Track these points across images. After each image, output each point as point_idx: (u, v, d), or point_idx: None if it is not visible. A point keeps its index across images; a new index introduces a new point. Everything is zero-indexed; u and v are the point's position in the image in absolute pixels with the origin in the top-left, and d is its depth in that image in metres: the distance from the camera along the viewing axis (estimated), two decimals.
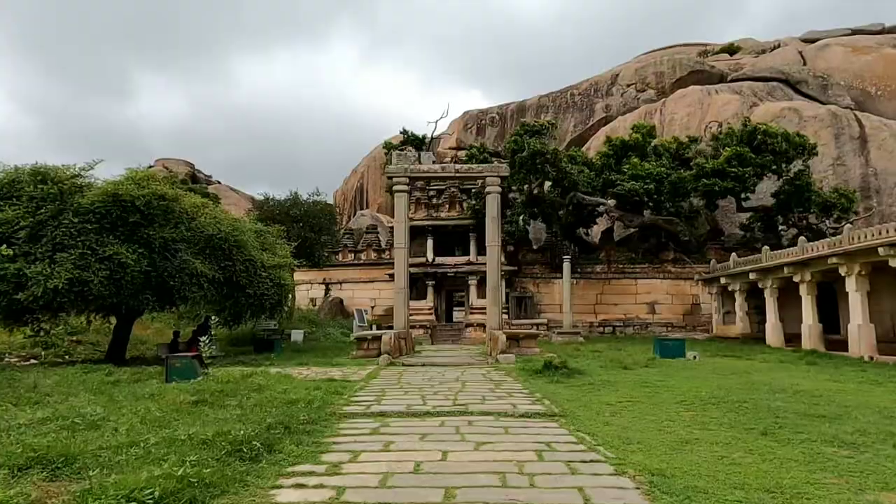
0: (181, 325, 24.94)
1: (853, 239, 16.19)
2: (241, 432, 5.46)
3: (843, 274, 16.60)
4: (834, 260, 16.60)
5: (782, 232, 27.56)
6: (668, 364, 14.08)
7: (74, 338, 22.45)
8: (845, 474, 4.86)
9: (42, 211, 13.44)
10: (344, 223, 44.48)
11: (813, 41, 46.27)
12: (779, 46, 47.50)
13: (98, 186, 14.58)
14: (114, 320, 17.62)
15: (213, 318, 12.45)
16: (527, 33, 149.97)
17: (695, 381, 11.22)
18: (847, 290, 16.57)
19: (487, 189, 17.50)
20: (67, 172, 14.47)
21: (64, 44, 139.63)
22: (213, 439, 5.29)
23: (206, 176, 59.49)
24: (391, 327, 19.02)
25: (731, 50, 50.91)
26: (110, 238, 13.68)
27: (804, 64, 42.06)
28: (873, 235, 15.34)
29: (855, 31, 47.55)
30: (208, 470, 4.38)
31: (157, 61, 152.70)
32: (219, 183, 59.57)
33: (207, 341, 10.81)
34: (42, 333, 19.14)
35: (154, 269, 14.48)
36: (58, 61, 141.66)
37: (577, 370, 11.87)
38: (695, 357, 15.32)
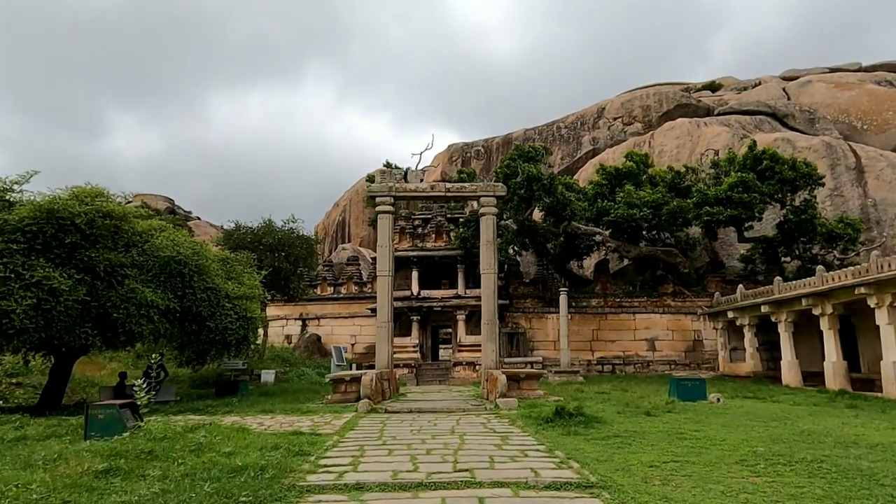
0: (139, 364, 22.42)
1: (882, 267, 14.77)
2: None
3: (872, 305, 15.11)
4: (862, 290, 15.11)
5: (785, 263, 26.33)
6: (692, 408, 12.25)
7: (14, 379, 20.01)
8: None
9: None
10: (324, 256, 42.46)
11: (793, 78, 46.80)
12: (759, 84, 47.96)
13: (32, 202, 12.55)
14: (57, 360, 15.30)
15: (153, 355, 10.30)
16: (496, 76, 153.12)
17: (735, 430, 9.40)
18: (878, 322, 15.03)
19: (482, 210, 15.85)
20: None
21: (32, 78, 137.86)
22: None
23: (185, 212, 57.96)
24: (372, 366, 16.98)
25: (712, 87, 51.43)
26: (41, 261, 11.57)
27: (788, 99, 42.16)
28: None
29: (833, 70, 48.37)
30: None
31: (129, 99, 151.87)
32: (198, 219, 57.96)
33: (144, 385, 8.69)
34: None
35: (94, 299, 12.34)
36: (24, 95, 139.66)
37: (594, 418, 9.96)
38: (718, 400, 13.51)
